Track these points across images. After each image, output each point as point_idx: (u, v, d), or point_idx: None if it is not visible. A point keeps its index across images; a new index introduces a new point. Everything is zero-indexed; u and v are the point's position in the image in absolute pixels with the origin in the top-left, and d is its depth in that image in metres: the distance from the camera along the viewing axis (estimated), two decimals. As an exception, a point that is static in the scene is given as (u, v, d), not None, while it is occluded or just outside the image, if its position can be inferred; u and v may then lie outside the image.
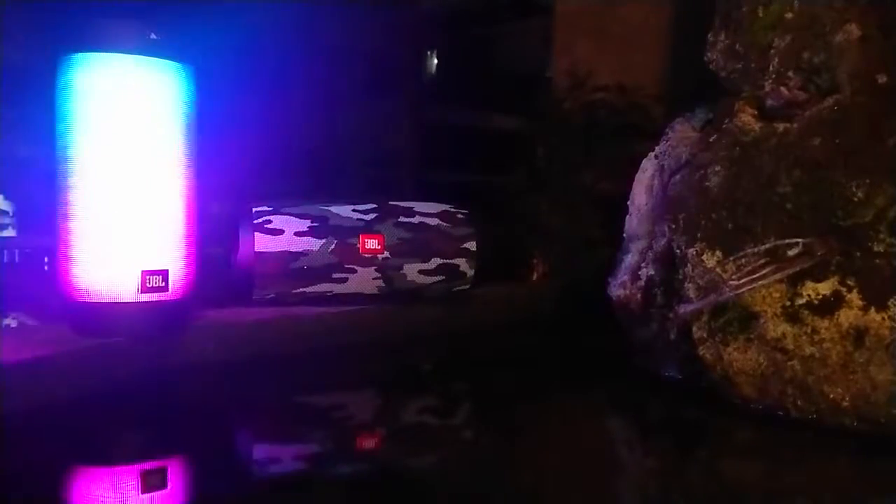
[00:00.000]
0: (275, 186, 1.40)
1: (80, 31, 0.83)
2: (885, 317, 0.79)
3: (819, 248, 0.83)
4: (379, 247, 1.14)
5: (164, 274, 0.86)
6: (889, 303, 0.79)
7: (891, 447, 0.78)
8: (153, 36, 0.84)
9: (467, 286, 1.23)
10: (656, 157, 1.07)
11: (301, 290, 1.11)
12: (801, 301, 0.83)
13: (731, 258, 0.88)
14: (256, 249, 1.08)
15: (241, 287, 1.10)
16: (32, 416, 0.75)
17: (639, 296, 1.02)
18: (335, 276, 1.12)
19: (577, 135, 1.59)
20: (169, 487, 0.66)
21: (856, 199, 0.82)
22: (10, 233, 1.21)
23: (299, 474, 0.72)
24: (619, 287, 1.06)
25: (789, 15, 0.93)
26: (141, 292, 0.85)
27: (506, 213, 1.60)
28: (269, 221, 1.10)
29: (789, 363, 0.83)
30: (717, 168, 0.93)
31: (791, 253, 0.84)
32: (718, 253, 0.89)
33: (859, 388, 0.80)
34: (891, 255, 0.80)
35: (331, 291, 1.13)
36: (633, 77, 1.59)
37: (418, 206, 1.21)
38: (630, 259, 1.06)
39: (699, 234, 0.92)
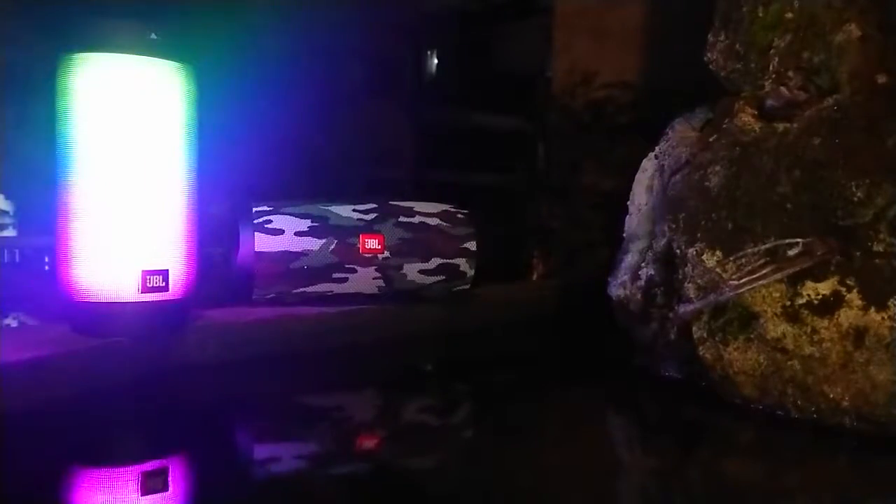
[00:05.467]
0: (275, 186, 1.40)
1: (80, 31, 0.83)
2: (885, 317, 0.79)
3: (819, 248, 0.83)
4: (379, 247, 1.14)
5: (164, 274, 0.86)
6: (889, 303, 0.79)
7: (891, 447, 0.78)
8: (153, 36, 0.84)
9: (467, 286, 1.23)
10: (656, 157, 1.07)
11: (301, 289, 1.11)
12: (801, 301, 0.84)
13: (731, 258, 0.88)
14: (256, 249, 1.08)
15: (241, 287, 1.10)
16: (32, 417, 0.75)
17: (639, 296, 1.02)
18: (335, 275, 1.12)
19: (577, 135, 1.59)
20: (169, 488, 0.66)
21: (856, 199, 0.82)
22: (10, 233, 1.21)
23: (299, 474, 0.72)
24: (619, 287, 1.06)
25: (789, 15, 0.93)
26: (141, 292, 0.85)
27: (506, 213, 1.60)
28: (269, 221, 1.10)
29: (789, 363, 0.84)
30: (717, 168, 0.93)
31: (791, 253, 0.84)
32: (718, 253, 0.89)
33: (859, 387, 0.80)
34: (891, 255, 0.80)
35: (331, 291, 1.13)
36: (632, 77, 1.60)
37: (418, 206, 1.21)
38: (630, 259, 1.07)
39: (699, 234, 0.92)
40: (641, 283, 1.02)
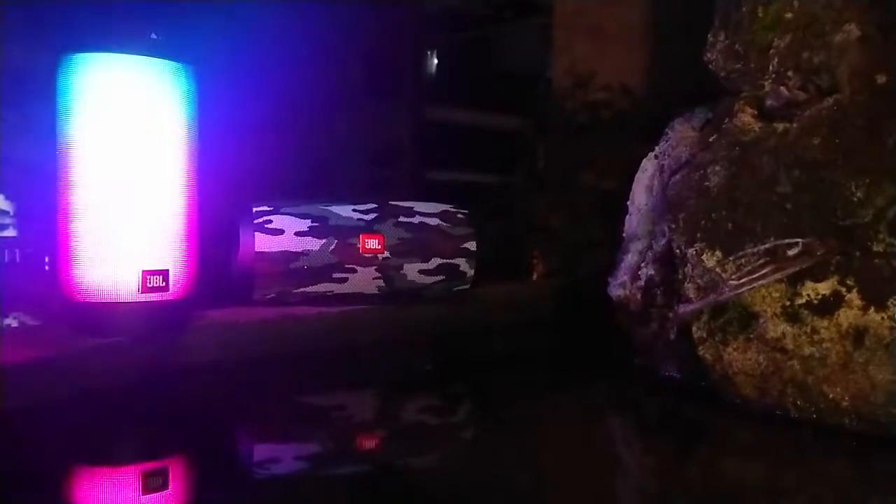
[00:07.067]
0: (275, 186, 1.40)
1: (81, 31, 0.83)
2: (885, 317, 0.79)
3: (819, 248, 0.83)
4: (379, 247, 1.14)
5: (164, 274, 0.86)
6: (889, 303, 0.79)
7: (891, 447, 0.78)
8: (153, 36, 0.84)
9: (467, 286, 1.23)
10: (656, 157, 1.07)
11: (301, 289, 1.11)
12: (800, 301, 0.84)
13: (731, 258, 0.88)
14: (256, 249, 1.08)
15: (241, 287, 1.10)
16: (33, 416, 0.75)
17: (639, 296, 1.02)
18: (335, 275, 1.12)
19: (577, 135, 1.59)
20: (169, 488, 0.66)
21: (855, 199, 0.82)
22: (10, 233, 1.20)
23: (300, 474, 0.72)
24: (619, 287, 1.06)
25: (789, 15, 0.93)
26: (141, 292, 0.85)
27: (506, 213, 1.60)
28: (270, 221, 1.10)
29: (789, 363, 0.83)
30: (717, 168, 0.93)
31: (791, 253, 0.84)
32: (718, 253, 0.89)
33: (859, 387, 0.80)
34: (890, 255, 0.80)
35: (331, 291, 1.13)
36: (632, 77, 1.60)
37: (418, 206, 1.21)
38: (630, 259, 1.07)
39: (699, 234, 0.92)
40: (641, 283, 1.02)
